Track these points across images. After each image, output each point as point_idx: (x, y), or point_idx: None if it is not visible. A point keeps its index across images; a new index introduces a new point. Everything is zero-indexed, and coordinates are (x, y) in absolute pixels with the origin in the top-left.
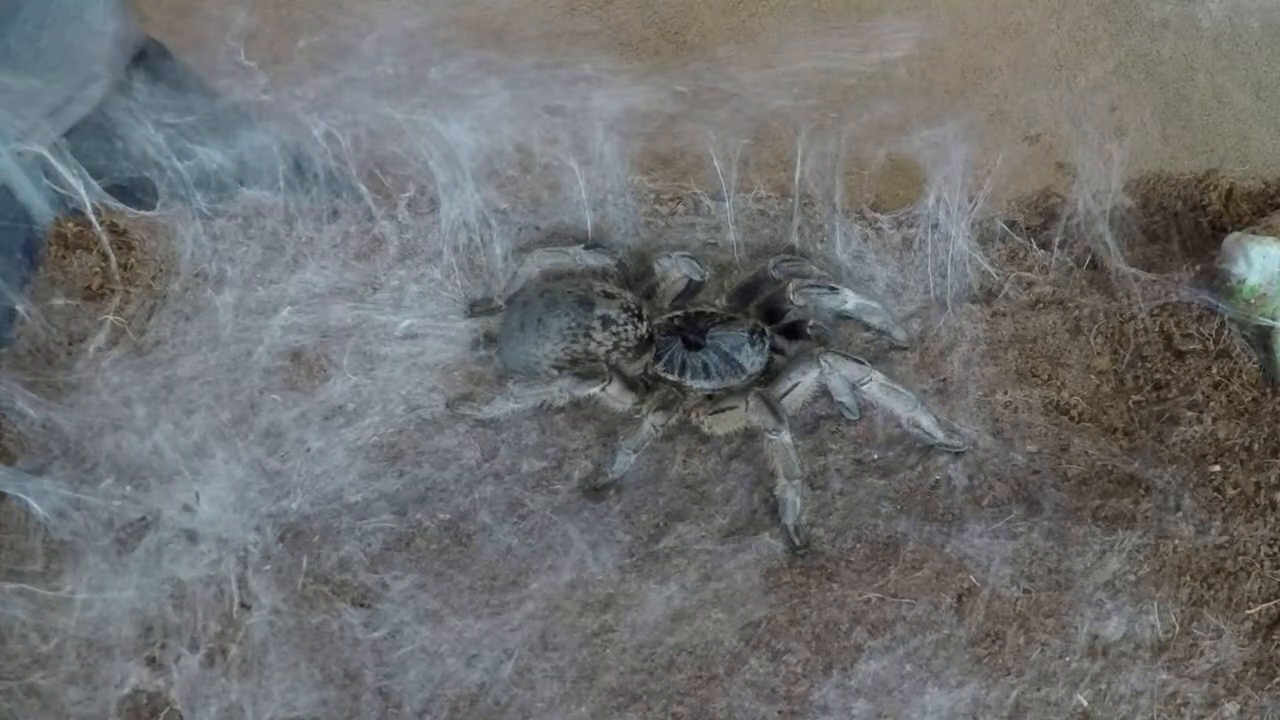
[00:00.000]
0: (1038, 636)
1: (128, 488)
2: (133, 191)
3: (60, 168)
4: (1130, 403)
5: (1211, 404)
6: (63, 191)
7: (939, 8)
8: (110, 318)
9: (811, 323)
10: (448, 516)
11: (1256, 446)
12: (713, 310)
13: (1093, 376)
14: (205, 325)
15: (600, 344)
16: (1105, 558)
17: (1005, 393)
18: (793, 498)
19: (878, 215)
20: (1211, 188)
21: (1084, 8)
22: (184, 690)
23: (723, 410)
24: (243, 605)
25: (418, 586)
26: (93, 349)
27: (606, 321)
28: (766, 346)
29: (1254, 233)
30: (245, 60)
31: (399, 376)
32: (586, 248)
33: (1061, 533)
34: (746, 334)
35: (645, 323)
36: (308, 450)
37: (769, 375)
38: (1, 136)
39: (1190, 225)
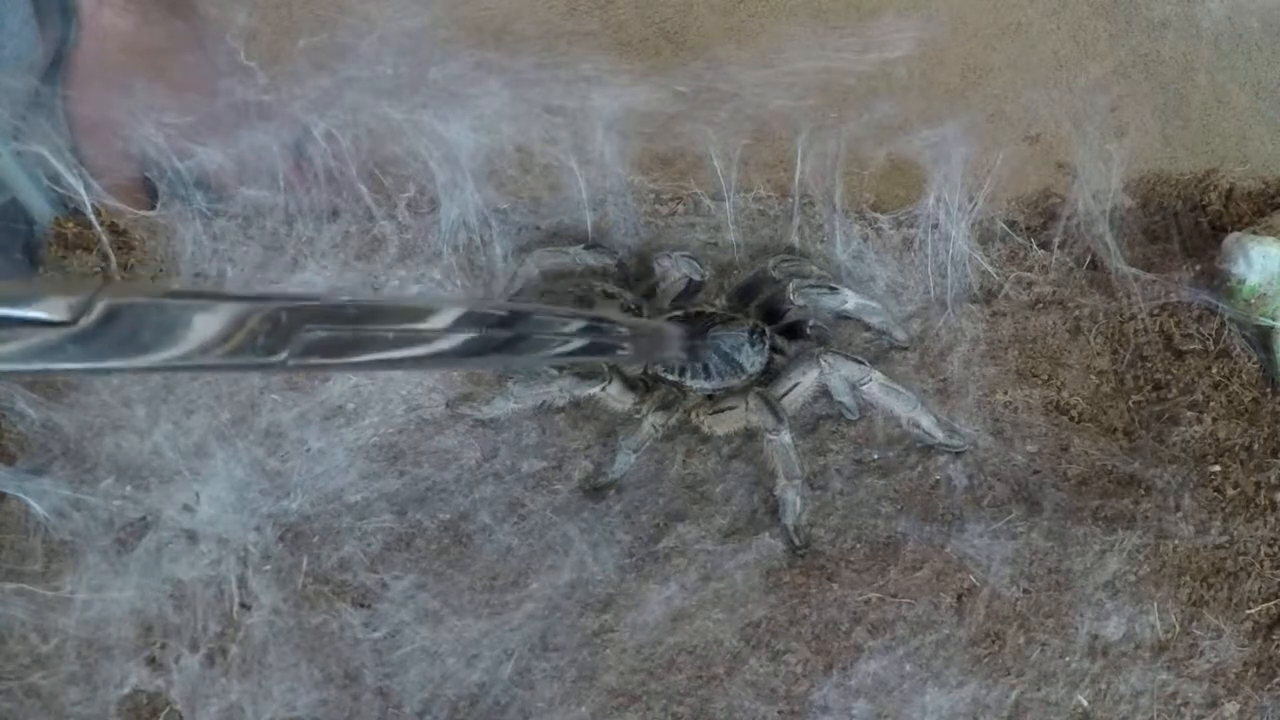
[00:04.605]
0: (1038, 636)
1: (128, 488)
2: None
3: (60, 168)
4: (1130, 403)
5: (1211, 404)
6: (63, 191)
7: (939, 8)
8: None
9: (811, 323)
10: (448, 516)
11: (1256, 446)
12: (713, 310)
13: (1093, 376)
14: None
15: None
16: (1105, 558)
17: (1005, 393)
18: (793, 498)
19: (878, 215)
20: (1211, 188)
21: (1084, 8)
22: (184, 690)
23: (723, 410)
24: (243, 605)
25: (418, 586)
26: None
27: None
28: (766, 346)
29: (1254, 233)
30: (245, 60)
31: (399, 376)
32: (586, 248)
33: (1061, 533)
34: (746, 334)
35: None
36: (308, 450)
37: (769, 375)
38: (1, 136)
39: (1190, 225)
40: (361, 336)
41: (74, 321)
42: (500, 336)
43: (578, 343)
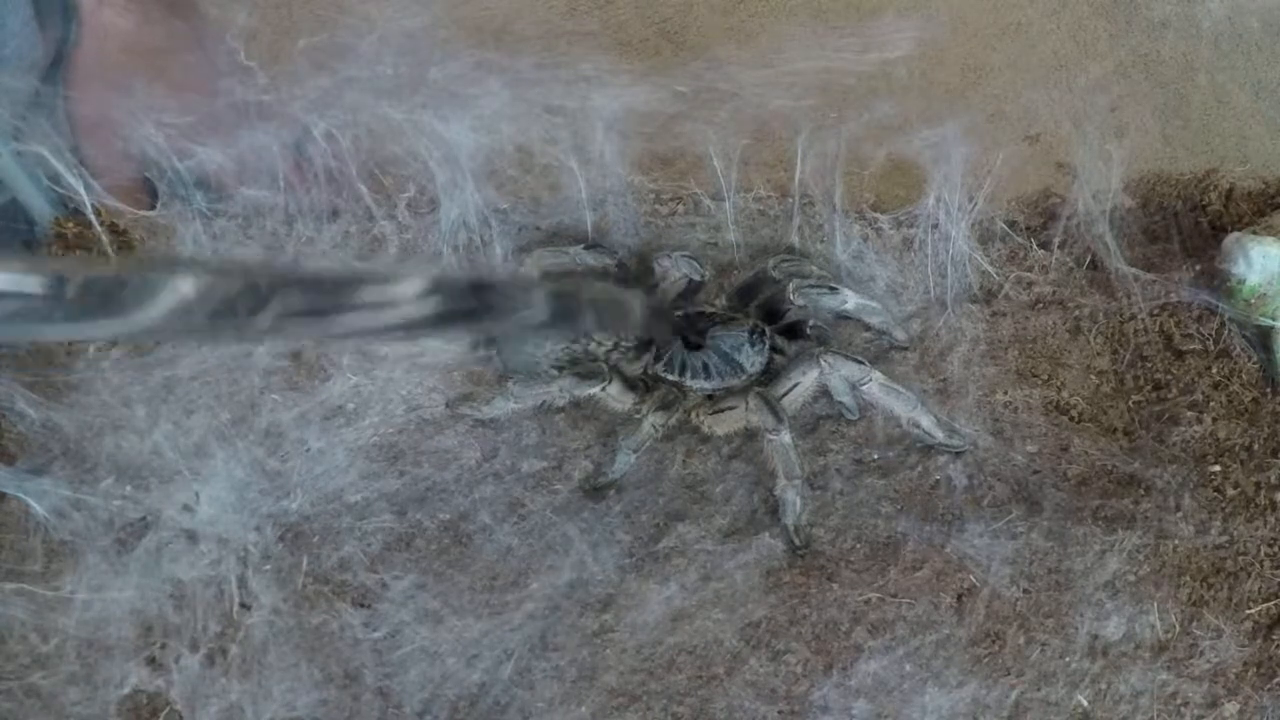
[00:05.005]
0: (1038, 636)
1: (128, 488)
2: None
3: (60, 168)
4: (1130, 403)
5: (1211, 404)
6: (63, 191)
7: (939, 8)
8: None
9: (811, 323)
10: (448, 516)
11: (1256, 446)
12: (713, 310)
13: (1093, 376)
14: None
15: (600, 344)
16: (1105, 558)
17: (1005, 393)
18: (793, 498)
19: (878, 215)
20: (1211, 188)
21: (1084, 8)
22: (184, 690)
23: (723, 410)
24: (243, 605)
25: (418, 586)
26: (93, 349)
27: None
28: (766, 346)
29: (1254, 233)
30: (245, 60)
31: (399, 376)
32: (586, 248)
33: (1061, 533)
34: (746, 334)
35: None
36: (308, 450)
37: (769, 375)
38: (2, 136)
39: (1190, 225)
40: (338, 303)
41: (55, 289)
42: (467, 305)
43: (541, 313)
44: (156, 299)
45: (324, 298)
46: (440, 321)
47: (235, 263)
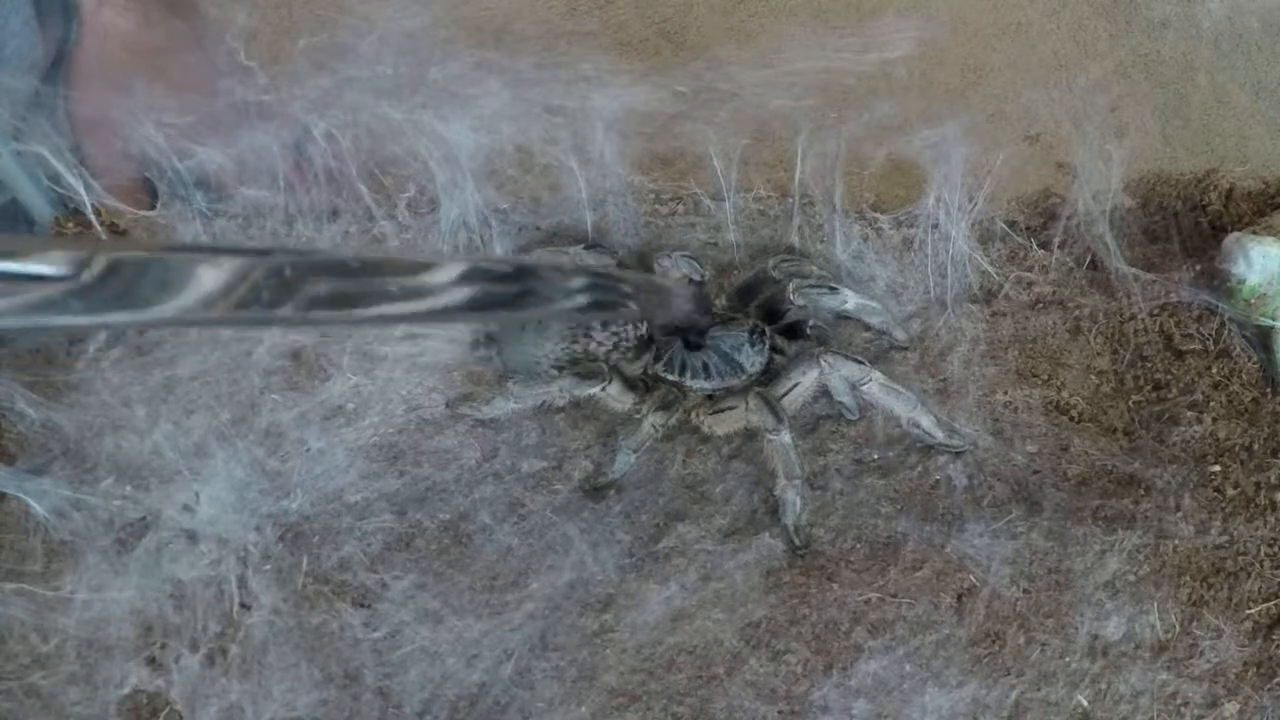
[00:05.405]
0: (1038, 636)
1: (128, 488)
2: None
3: (60, 168)
4: (1130, 403)
5: (1211, 404)
6: (63, 191)
7: (939, 8)
8: None
9: (811, 323)
10: (448, 516)
11: (1256, 446)
12: (713, 310)
13: (1093, 376)
14: None
15: (600, 344)
16: (1105, 558)
17: (1005, 393)
18: (793, 498)
19: (878, 215)
20: (1211, 188)
21: (1084, 8)
22: (184, 690)
23: (723, 410)
24: (243, 605)
25: (418, 586)
26: (93, 349)
27: (606, 321)
28: (766, 346)
29: (1254, 233)
30: (245, 60)
31: (399, 376)
32: (586, 248)
33: (1061, 533)
34: (746, 334)
35: (645, 323)
36: (308, 450)
37: (769, 375)
38: (2, 136)
39: (1190, 225)
40: (366, 290)
41: (75, 276)
42: (505, 291)
43: (581, 299)
44: (183, 289)
45: (355, 284)
46: (476, 308)
47: (262, 249)
